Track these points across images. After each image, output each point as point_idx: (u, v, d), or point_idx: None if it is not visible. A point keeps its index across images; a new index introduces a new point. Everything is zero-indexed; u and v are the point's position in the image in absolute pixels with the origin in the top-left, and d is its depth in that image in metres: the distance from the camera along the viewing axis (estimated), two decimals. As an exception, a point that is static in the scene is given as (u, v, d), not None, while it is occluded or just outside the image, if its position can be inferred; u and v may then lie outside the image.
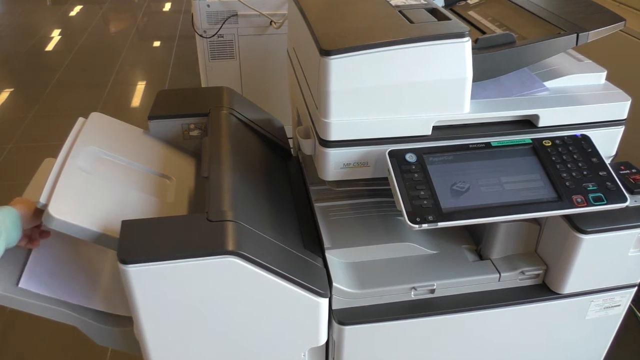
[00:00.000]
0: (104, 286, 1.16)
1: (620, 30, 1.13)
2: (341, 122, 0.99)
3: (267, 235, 1.02)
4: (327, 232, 1.17)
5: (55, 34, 4.95)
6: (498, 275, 1.14)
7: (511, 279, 1.15)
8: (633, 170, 1.17)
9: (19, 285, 1.04)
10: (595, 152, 1.06)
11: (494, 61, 1.08)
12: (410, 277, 1.11)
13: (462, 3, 1.42)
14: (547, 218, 1.12)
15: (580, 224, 1.05)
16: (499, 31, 1.19)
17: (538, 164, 1.05)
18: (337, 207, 1.25)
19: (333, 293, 1.07)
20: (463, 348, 1.19)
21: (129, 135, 1.30)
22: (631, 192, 1.10)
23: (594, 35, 1.09)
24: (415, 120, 1.02)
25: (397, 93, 0.99)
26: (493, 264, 1.16)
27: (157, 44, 4.79)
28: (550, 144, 1.07)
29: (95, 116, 1.28)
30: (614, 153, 1.14)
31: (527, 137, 1.07)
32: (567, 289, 1.14)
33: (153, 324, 0.99)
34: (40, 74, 4.11)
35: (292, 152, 1.49)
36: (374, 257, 1.15)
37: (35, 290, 1.05)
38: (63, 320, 1.10)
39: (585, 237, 1.05)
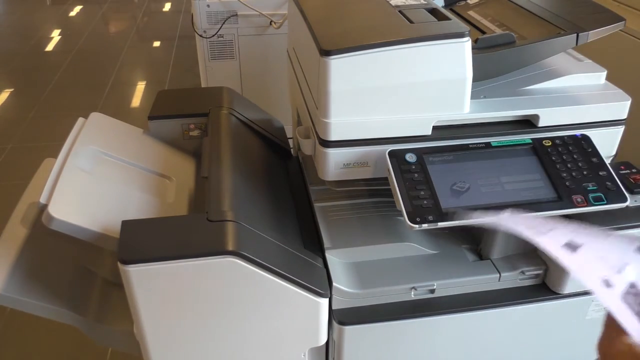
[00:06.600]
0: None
1: (620, 30, 1.13)
2: (341, 122, 0.99)
3: (267, 235, 1.02)
4: (327, 232, 1.17)
5: (55, 34, 4.94)
6: (498, 275, 1.14)
7: (511, 279, 1.15)
8: (633, 170, 1.17)
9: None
10: (595, 152, 1.06)
11: (494, 61, 1.08)
12: (410, 277, 1.11)
13: (462, 3, 1.42)
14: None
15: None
16: (499, 31, 1.19)
17: (538, 163, 1.05)
18: (337, 207, 1.25)
19: (333, 293, 1.07)
20: (463, 348, 1.19)
21: (129, 135, 1.30)
22: (631, 192, 1.10)
23: (594, 35, 1.09)
24: (415, 120, 1.02)
25: (397, 93, 0.99)
26: (493, 264, 1.16)
27: (157, 44, 4.79)
28: (550, 143, 1.07)
29: (95, 116, 1.28)
30: (614, 153, 1.14)
31: (527, 137, 1.07)
32: (567, 289, 1.13)
33: (153, 324, 0.99)
34: (40, 74, 4.11)
35: (292, 152, 1.49)
36: (374, 257, 1.14)
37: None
38: (63, 320, 1.10)
39: (585, 237, 1.05)
